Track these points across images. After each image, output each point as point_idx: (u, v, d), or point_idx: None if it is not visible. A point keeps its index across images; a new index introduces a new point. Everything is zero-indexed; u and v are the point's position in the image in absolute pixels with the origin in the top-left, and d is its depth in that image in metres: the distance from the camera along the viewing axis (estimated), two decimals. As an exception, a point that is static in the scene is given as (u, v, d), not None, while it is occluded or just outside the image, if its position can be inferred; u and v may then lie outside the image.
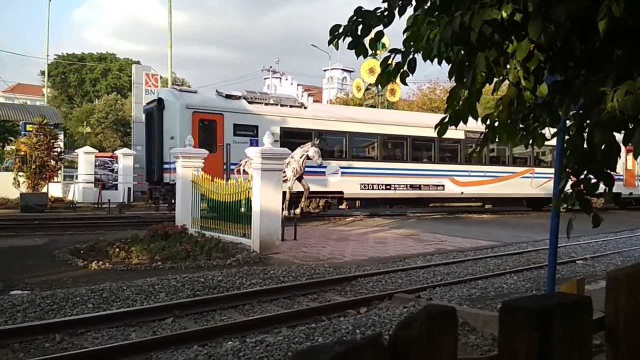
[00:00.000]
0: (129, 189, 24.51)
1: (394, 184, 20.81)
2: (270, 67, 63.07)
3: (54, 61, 61.40)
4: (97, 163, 25.50)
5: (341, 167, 19.73)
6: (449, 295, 7.91)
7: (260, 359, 5.03)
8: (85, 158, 25.35)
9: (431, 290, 8.15)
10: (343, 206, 20.74)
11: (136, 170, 25.83)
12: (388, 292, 7.85)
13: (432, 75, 59.89)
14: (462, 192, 22.31)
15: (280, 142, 17.79)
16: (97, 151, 28.30)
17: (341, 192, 19.89)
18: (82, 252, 10.67)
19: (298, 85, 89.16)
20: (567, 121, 3.24)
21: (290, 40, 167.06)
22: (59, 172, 24.48)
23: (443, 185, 21.80)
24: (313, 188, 18.16)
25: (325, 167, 18.75)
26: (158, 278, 8.28)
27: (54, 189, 23.84)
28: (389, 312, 6.56)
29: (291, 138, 18.56)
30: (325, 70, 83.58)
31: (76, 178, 25.47)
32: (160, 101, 18.10)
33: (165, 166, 17.81)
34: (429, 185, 21.49)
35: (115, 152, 29.44)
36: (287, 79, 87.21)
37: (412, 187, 21.17)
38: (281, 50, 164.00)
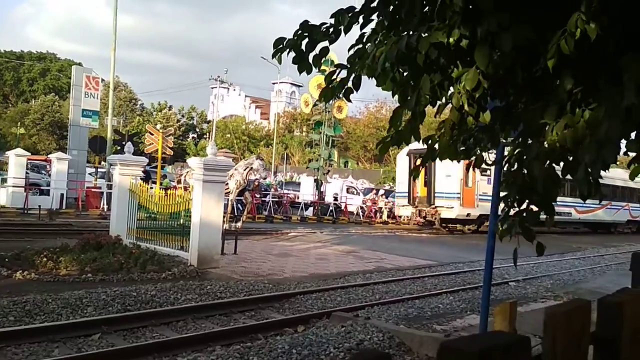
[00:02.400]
0: (62, 194, 23.38)
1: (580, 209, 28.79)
2: (218, 76, 62.40)
3: (-11, 58, 58.69)
4: (47, 167, 23.97)
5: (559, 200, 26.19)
6: (386, 314, 7.92)
7: (190, 380, 4.83)
8: (16, 161, 24.05)
9: (369, 309, 8.15)
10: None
11: (70, 176, 24.67)
12: (327, 310, 7.79)
13: (380, 95, 61.12)
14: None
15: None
16: (29, 154, 26.91)
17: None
18: (6, 260, 10.05)
19: (246, 96, 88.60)
20: (506, 150, 3.28)
21: (240, 50, 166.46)
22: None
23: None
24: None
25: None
26: (87, 291, 7.89)
27: (-20, 193, 22.50)
28: (326, 331, 6.48)
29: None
30: (274, 84, 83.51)
31: (5, 182, 24.09)
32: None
33: (437, 195, 24.28)
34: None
35: (49, 156, 28.14)
36: (234, 90, 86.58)
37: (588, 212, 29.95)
38: (230, 61, 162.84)
